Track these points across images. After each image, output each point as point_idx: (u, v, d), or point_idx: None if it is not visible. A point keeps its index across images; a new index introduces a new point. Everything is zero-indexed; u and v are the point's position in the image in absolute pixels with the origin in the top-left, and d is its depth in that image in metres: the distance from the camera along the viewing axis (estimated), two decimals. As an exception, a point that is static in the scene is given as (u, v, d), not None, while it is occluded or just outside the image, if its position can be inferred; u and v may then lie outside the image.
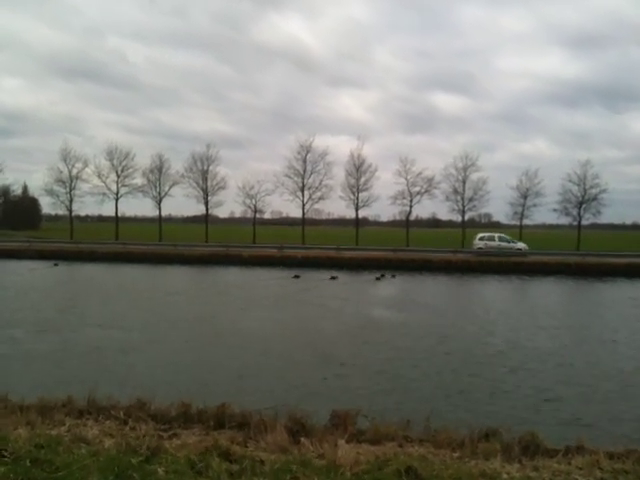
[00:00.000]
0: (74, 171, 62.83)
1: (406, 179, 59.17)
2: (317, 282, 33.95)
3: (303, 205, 60.94)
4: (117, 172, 62.43)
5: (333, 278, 35.27)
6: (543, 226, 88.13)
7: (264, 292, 28.82)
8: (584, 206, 55.34)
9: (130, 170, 62.93)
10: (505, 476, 5.50)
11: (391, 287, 33.18)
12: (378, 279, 36.12)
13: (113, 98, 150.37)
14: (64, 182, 62.55)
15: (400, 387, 12.25)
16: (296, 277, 36.01)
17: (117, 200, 63.17)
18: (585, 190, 55.02)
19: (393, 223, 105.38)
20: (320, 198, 61.33)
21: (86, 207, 68.41)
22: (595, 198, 55.08)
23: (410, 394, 11.70)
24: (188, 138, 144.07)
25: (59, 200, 63.39)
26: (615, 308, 25.81)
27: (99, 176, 62.44)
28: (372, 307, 24.70)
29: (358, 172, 59.46)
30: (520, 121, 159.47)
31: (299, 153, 60.39)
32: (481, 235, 50.17)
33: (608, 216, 66.42)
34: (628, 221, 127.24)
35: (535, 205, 57.10)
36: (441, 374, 13.33)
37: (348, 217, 75.95)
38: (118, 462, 4.83)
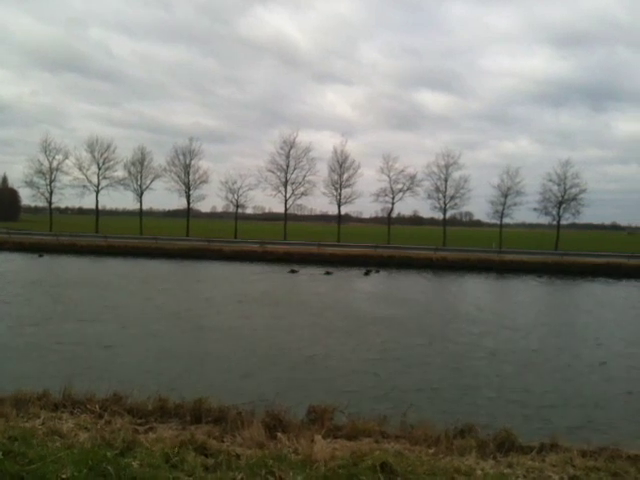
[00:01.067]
0: (54, 163, 62.10)
1: (389, 176, 59.31)
2: (315, 276, 35.38)
3: (286, 201, 60.85)
4: (98, 164, 61.73)
5: (328, 273, 36.15)
6: (523, 225, 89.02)
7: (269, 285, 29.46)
8: (564, 206, 55.80)
9: (111, 162, 62.27)
10: (479, 472, 5.56)
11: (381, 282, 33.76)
12: (366, 274, 37.20)
13: (96, 90, 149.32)
14: (44, 174, 61.77)
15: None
16: (293, 272, 36.74)
17: (98, 193, 62.47)
18: (565, 190, 55.43)
19: (375, 220, 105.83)
20: (303, 194, 61.28)
21: (66, 199, 67.89)
22: (575, 198, 55.49)
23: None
24: (172, 132, 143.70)
25: (39, 192, 62.56)
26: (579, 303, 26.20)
27: (80, 168, 61.71)
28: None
29: (341, 168, 59.49)
30: (504, 120, 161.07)
31: (282, 148, 60.26)
32: None
33: (588, 216, 67.17)
34: (607, 221, 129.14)
35: (516, 204, 57.26)
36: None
37: (331, 213, 76.35)
38: (92, 455, 4.80)
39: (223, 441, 6.22)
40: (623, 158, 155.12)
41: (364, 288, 30.90)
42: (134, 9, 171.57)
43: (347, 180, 59.53)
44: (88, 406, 7.43)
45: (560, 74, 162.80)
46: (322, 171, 61.03)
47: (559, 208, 55.95)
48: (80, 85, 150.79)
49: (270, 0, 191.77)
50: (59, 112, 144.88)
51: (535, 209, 57.26)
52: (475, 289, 33.38)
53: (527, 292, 32.26)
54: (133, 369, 12.55)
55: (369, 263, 41.72)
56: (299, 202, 67.51)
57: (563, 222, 57.59)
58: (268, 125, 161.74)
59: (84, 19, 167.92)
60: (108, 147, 61.99)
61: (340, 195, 59.73)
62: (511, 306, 26.45)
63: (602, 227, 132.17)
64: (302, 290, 29.10)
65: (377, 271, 38.71)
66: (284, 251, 45.72)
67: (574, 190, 55.34)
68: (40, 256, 42.67)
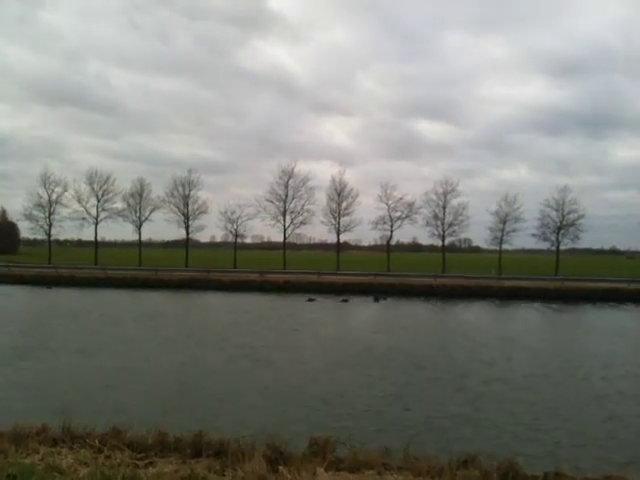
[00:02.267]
0: (54, 196, 62.59)
1: (387, 204, 59.68)
2: (337, 304, 37.27)
3: (285, 230, 61.05)
4: (97, 196, 62.17)
5: (344, 301, 38.09)
6: (522, 251, 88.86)
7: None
8: (562, 231, 55.99)
9: (110, 194, 62.74)
10: (483, 503, 5.48)
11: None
12: (376, 300, 38.81)
13: (95, 123, 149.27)
14: (43, 207, 62.28)
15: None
16: (310, 300, 37.65)
17: (97, 224, 62.79)
18: (563, 215, 55.74)
19: (374, 248, 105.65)
20: (302, 223, 61.66)
21: (65, 232, 67.52)
22: (573, 223, 55.76)
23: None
24: (170, 163, 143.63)
25: (38, 224, 63.00)
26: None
27: (79, 200, 62.22)
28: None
29: (340, 197, 59.89)
30: (502, 148, 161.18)
31: (281, 178, 60.69)
32: None
33: (587, 241, 67.31)
34: (607, 246, 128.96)
35: (514, 230, 57.45)
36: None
37: (330, 242, 76.00)
38: (92, 493, 4.74)
39: (224, 475, 6.13)
40: (622, 184, 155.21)
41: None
42: (132, 41, 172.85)
43: (346, 209, 59.98)
44: (87, 440, 7.33)
45: (557, 102, 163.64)
46: (321, 200, 61.04)
47: (558, 234, 56.20)
48: (79, 118, 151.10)
49: (268, 32, 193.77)
50: (58, 145, 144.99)
51: (534, 235, 57.63)
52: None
53: (543, 319, 32.10)
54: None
55: (369, 291, 41.69)
56: (298, 231, 67.76)
57: (562, 247, 57.96)
58: (266, 155, 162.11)
59: (82, 52, 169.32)
60: (107, 179, 62.64)
61: (339, 224, 60.08)
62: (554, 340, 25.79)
63: (601, 252, 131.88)
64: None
65: (384, 298, 39.65)
66: (284, 280, 45.64)
67: (572, 216, 55.77)
68: (49, 288, 43.38)
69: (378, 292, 41.29)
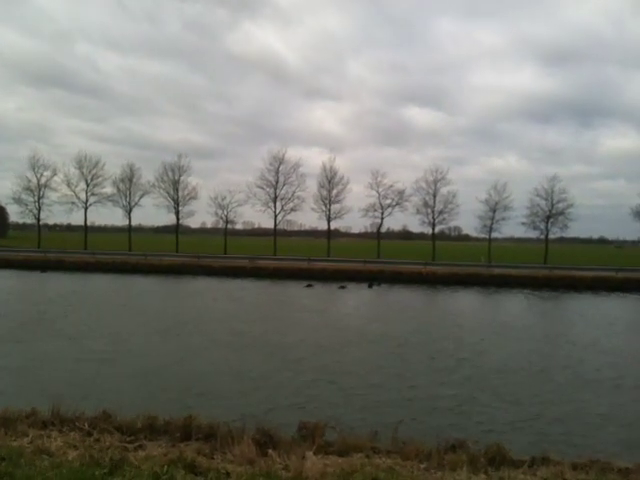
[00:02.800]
0: (43, 179, 61.95)
1: (377, 192, 59.63)
2: (336, 290, 37.32)
3: (275, 216, 60.93)
4: (86, 181, 61.70)
5: (342, 287, 37.98)
6: (511, 239, 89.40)
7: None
8: (551, 220, 56.23)
9: (100, 179, 62.25)
10: (471, 487, 5.54)
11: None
12: (370, 287, 39.24)
13: (83, 106, 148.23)
14: (32, 191, 61.58)
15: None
16: (309, 286, 38.06)
17: (86, 209, 62.42)
18: (552, 204, 55.96)
19: (365, 235, 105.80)
20: (292, 209, 61.48)
21: (54, 216, 67.13)
22: (562, 212, 56.04)
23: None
24: (160, 148, 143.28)
25: (27, 209, 62.32)
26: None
27: (68, 185, 61.66)
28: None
29: (330, 184, 59.73)
30: (492, 136, 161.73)
31: (271, 164, 60.46)
32: None
33: (575, 230, 67.60)
34: (595, 235, 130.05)
35: (504, 219, 57.70)
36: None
37: (320, 228, 76.05)
38: (81, 474, 4.75)
39: (213, 458, 6.16)
40: (610, 174, 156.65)
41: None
42: (120, 24, 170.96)
43: (336, 196, 59.86)
44: (77, 424, 7.34)
45: (547, 91, 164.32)
46: (311, 187, 61.09)
47: (547, 222, 56.43)
48: (66, 101, 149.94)
49: (258, 16, 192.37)
50: (45, 128, 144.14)
51: (523, 223, 57.86)
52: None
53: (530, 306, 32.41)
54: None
55: (359, 278, 41.84)
56: (288, 218, 67.56)
57: (551, 236, 58.18)
58: (256, 141, 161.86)
59: (70, 34, 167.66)
60: (97, 163, 62.12)
61: (329, 211, 59.97)
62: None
63: (590, 241, 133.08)
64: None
65: (379, 284, 40.27)
66: (274, 267, 45.63)
67: (561, 205, 56.05)
68: (43, 272, 43.57)
69: (368, 279, 41.44)
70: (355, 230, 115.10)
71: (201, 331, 20.17)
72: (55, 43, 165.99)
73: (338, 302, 31.89)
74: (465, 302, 33.87)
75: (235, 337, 19.12)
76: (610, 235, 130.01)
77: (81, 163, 61.56)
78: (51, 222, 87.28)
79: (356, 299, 33.56)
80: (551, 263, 50.50)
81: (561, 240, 71.94)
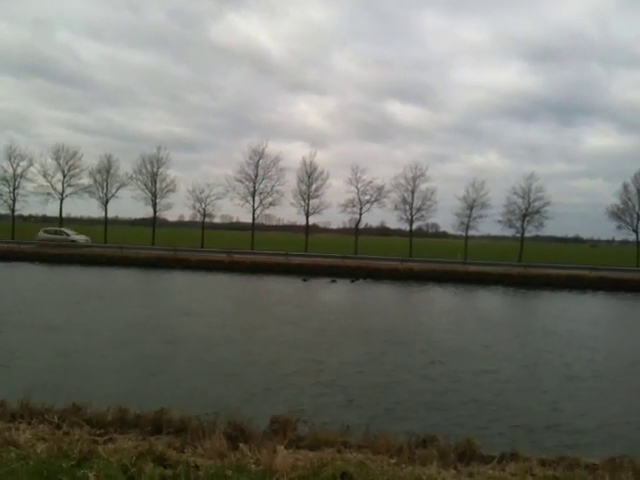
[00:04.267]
0: (19, 170, 60.92)
1: (357, 187, 59.65)
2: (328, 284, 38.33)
3: (254, 210, 60.72)
4: (63, 172, 60.78)
5: (333, 281, 39.25)
6: (488, 237, 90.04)
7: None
8: (527, 218, 56.77)
9: (77, 170, 61.36)
10: (440, 482, 5.60)
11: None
12: (352, 282, 39.93)
13: (63, 96, 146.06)
14: (7, 181, 60.56)
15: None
16: (305, 280, 39.02)
17: (62, 200, 61.53)
18: (529, 203, 56.48)
19: (343, 231, 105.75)
20: (271, 204, 61.19)
21: (30, 207, 66.30)
22: (538, 211, 56.55)
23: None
24: (140, 139, 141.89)
25: (2, 199, 61.30)
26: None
27: (44, 175, 60.70)
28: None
29: (310, 179, 59.66)
30: (475, 133, 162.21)
31: (251, 158, 60.13)
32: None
33: (552, 229, 68.17)
34: (571, 234, 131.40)
35: (481, 216, 58.04)
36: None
37: (299, 223, 75.89)
38: (48, 466, 4.72)
39: (184, 452, 6.16)
40: (590, 172, 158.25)
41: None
42: (102, 12, 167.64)
43: (315, 191, 59.82)
44: (46, 416, 7.29)
45: (530, 88, 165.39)
46: (291, 181, 60.98)
47: (523, 221, 56.92)
48: (46, 90, 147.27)
49: (243, 6, 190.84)
50: (24, 118, 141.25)
51: (500, 221, 58.27)
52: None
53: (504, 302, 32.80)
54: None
55: (337, 273, 41.93)
56: (267, 212, 67.40)
57: (527, 234, 58.71)
58: (240, 134, 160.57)
59: (50, 22, 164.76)
60: (74, 154, 61.22)
61: (308, 206, 59.88)
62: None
63: (565, 239, 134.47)
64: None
65: (359, 280, 40.80)
66: (251, 261, 45.54)
67: (538, 203, 56.54)
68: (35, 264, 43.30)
69: (346, 274, 41.68)
70: (334, 226, 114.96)
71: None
72: (35, 31, 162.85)
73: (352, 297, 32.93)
74: (438, 298, 34.29)
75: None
76: (585, 234, 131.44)
77: (58, 154, 60.71)
78: (26, 213, 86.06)
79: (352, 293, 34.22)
80: (526, 261, 51.04)
81: (536, 238, 72.70)
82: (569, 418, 11.30)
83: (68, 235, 54.55)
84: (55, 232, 55.33)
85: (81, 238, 54.85)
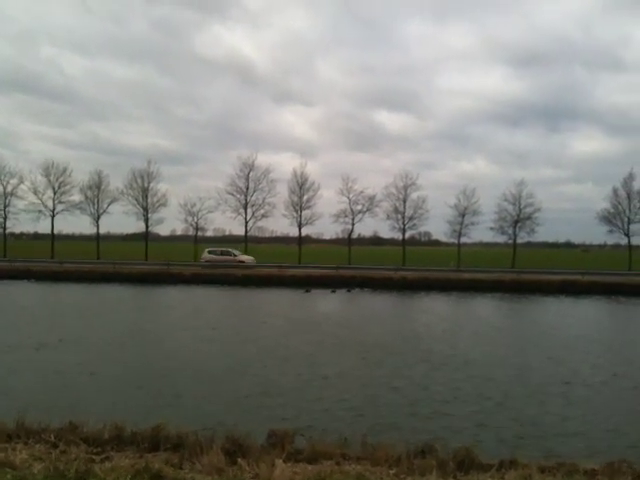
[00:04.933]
0: (9, 187, 60.90)
1: (348, 197, 59.68)
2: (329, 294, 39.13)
3: (246, 223, 60.78)
4: (54, 188, 60.70)
5: (333, 291, 40.16)
6: (480, 244, 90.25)
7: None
8: (519, 225, 56.95)
9: (67, 186, 61.31)
10: (440, 491, 5.58)
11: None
12: (348, 291, 40.84)
13: (48, 111, 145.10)
14: (-2, 199, 60.42)
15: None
16: (307, 291, 39.70)
17: (53, 217, 61.45)
18: (520, 209, 56.67)
19: (336, 241, 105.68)
20: (263, 216, 61.44)
21: (21, 224, 65.93)
22: (529, 217, 56.73)
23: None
24: (128, 153, 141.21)
25: (-7, 218, 61.09)
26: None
27: (35, 193, 60.62)
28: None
29: (301, 190, 59.79)
30: (461, 140, 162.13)
31: (242, 170, 60.36)
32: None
33: (543, 234, 68.23)
34: (562, 239, 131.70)
35: (473, 223, 58.20)
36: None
37: (292, 235, 75.97)
38: (45, 488, 4.68)
39: (181, 468, 6.10)
40: (578, 177, 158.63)
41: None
42: (85, 25, 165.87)
43: (307, 202, 59.97)
44: (43, 436, 7.22)
45: (516, 94, 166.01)
46: (282, 193, 60.94)
47: (515, 227, 57.09)
48: (31, 105, 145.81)
49: (227, 17, 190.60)
50: (10, 134, 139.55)
51: (491, 228, 58.40)
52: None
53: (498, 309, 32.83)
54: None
55: (331, 284, 41.93)
56: (260, 224, 67.53)
57: (519, 241, 58.83)
58: (227, 146, 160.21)
59: (33, 36, 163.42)
60: (64, 171, 61.18)
61: (300, 217, 59.99)
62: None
63: (556, 245, 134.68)
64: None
65: (354, 289, 41.49)
66: (242, 274, 45.45)
67: (529, 209, 56.76)
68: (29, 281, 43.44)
69: (340, 285, 41.83)
70: (326, 236, 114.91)
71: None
72: (18, 45, 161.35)
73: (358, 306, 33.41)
74: (435, 306, 34.30)
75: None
76: (576, 239, 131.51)
77: (48, 170, 60.70)
78: (17, 230, 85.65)
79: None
80: (519, 267, 51.17)
81: (528, 244, 72.84)
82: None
83: (235, 255, 52.78)
84: (222, 253, 53.30)
85: (248, 258, 52.88)
